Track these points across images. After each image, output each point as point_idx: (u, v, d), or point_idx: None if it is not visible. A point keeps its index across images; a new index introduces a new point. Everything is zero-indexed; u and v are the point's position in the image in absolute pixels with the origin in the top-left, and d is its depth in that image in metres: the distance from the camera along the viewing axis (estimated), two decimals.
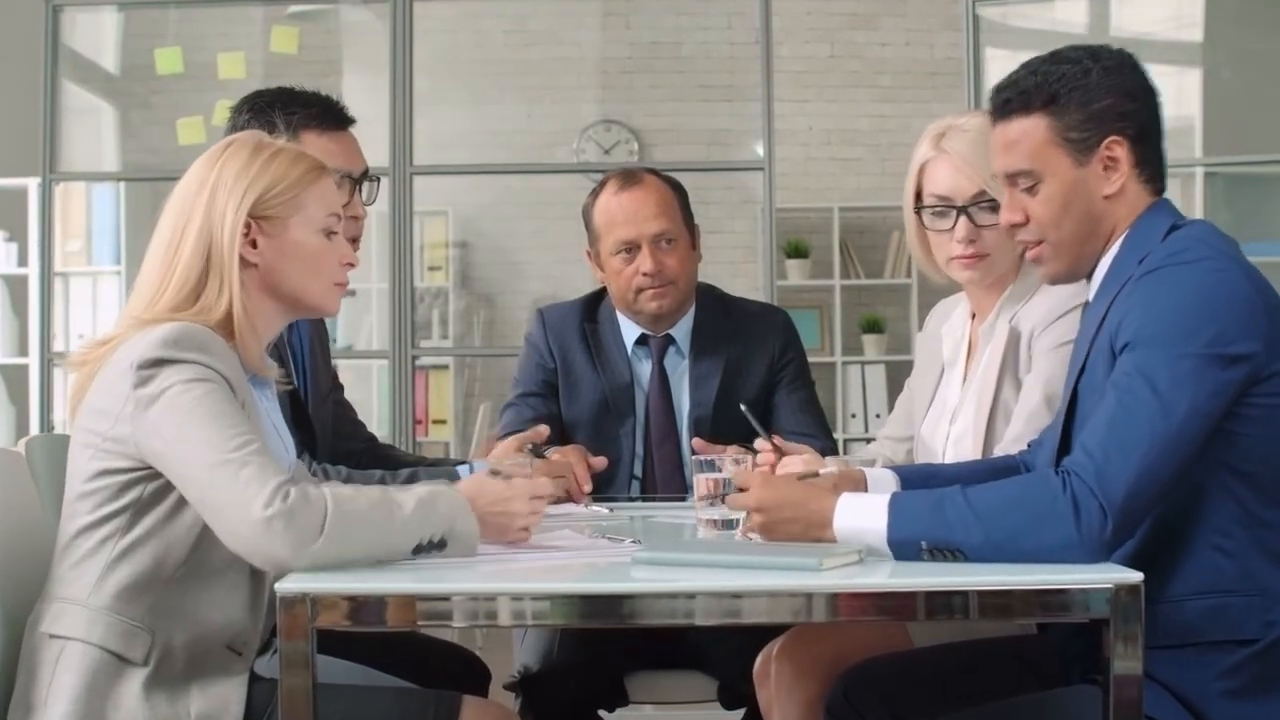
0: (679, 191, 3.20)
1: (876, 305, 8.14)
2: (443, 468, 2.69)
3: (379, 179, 2.79)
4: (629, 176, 3.19)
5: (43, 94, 5.46)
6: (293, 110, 2.69)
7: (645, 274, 3.10)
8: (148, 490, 2.07)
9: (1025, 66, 2.18)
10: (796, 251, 7.94)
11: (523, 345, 3.29)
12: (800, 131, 7.93)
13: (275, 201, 2.16)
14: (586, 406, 3.18)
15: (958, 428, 2.62)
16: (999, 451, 2.52)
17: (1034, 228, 2.20)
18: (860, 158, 8.10)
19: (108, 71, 6.62)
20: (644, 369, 3.20)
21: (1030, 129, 2.16)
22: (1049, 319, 2.54)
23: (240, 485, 1.95)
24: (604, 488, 3.05)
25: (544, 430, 2.83)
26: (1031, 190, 2.19)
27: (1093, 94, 2.14)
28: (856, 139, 8.09)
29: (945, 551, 1.97)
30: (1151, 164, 2.18)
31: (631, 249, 3.12)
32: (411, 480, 2.53)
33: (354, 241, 2.75)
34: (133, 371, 2.04)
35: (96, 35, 6.48)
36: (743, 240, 7.80)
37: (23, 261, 6.69)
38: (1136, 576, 1.86)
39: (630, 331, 3.21)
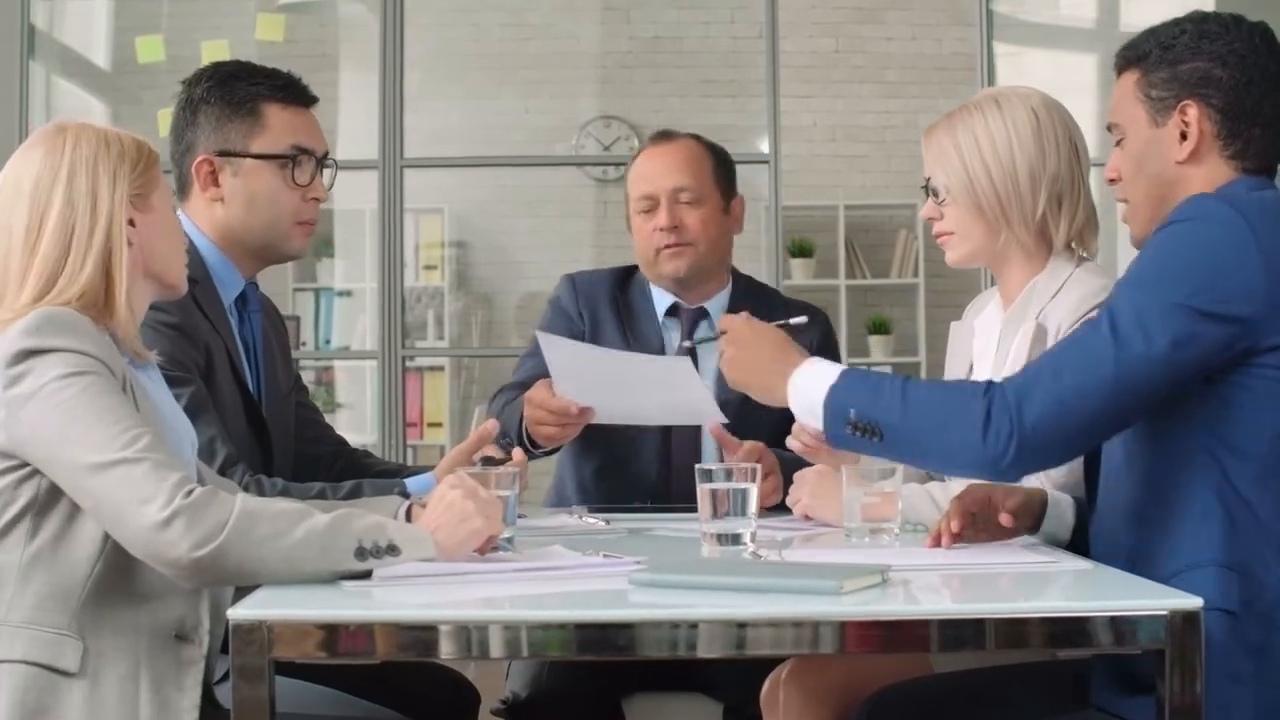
0: (717, 155, 3.12)
1: (883, 306, 8.01)
2: (390, 480, 2.51)
3: (335, 164, 2.68)
4: (662, 135, 3.13)
5: (19, 86, 5.35)
6: (256, 80, 2.61)
7: (661, 229, 2.99)
8: (44, 485, 1.91)
9: (1148, 28, 2.17)
10: (801, 250, 7.81)
11: (546, 310, 3.12)
12: (804, 128, 7.79)
13: (140, 179, 2.05)
14: None
15: None
16: None
17: (1121, 184, 2.19)
18: (866, 155, 7.99)
19: (99, 68, 6.53)
20: (674, 341, 3.06)
21: (1124, 84, 2.16)
22: (1077, 312, 2.40)
23: (134, 486, 1.80)
24: (625, 466, 2.92)
25: (489, 430, 2.60)
26: (1121, 145, 2.18)
27: (1180, 55, 2.10)
28: (862, 135, 7.98)
29: (867, 428, 2.01)
30: (1242, 140, 2.08)
31: (651, 205, 3.02)
32: (354, 494, 2.37)
33: (310, 225, 2.63)
34: (2, 372, 1.88)
35: (87, 32, 6.40)
36: (746, 239, 7.55)
37: None
38: (1195, 602, 1.69)
39: (662, 301, 3.08)
